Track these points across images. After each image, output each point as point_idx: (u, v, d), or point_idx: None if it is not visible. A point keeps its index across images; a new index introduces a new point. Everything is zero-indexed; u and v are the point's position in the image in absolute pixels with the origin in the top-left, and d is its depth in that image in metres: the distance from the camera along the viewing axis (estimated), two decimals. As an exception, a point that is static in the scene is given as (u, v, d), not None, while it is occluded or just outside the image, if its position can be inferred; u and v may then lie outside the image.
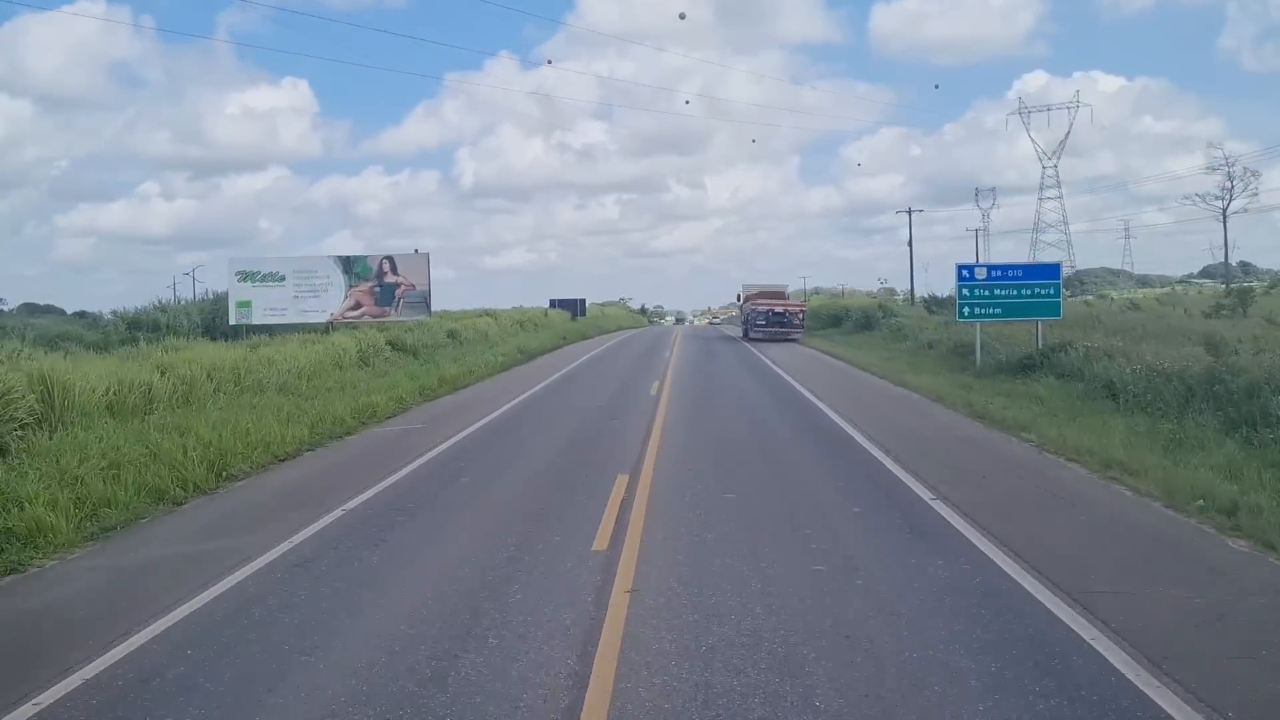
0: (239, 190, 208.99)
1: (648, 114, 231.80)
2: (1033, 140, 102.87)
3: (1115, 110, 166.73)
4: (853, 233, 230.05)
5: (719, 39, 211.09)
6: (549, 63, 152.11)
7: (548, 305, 70.31)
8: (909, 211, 63.55)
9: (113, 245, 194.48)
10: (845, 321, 45.32)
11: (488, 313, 48.45)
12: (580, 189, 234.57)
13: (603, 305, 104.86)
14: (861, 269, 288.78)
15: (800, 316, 40.71)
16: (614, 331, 64.01)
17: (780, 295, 44.75)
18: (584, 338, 50.05)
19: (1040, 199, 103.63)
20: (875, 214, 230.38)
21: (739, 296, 52.42)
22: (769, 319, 39.70)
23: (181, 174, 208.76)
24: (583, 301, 76.50)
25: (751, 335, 40.51)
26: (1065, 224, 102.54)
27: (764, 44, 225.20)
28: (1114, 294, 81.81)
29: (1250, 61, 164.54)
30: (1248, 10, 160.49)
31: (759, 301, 41.63)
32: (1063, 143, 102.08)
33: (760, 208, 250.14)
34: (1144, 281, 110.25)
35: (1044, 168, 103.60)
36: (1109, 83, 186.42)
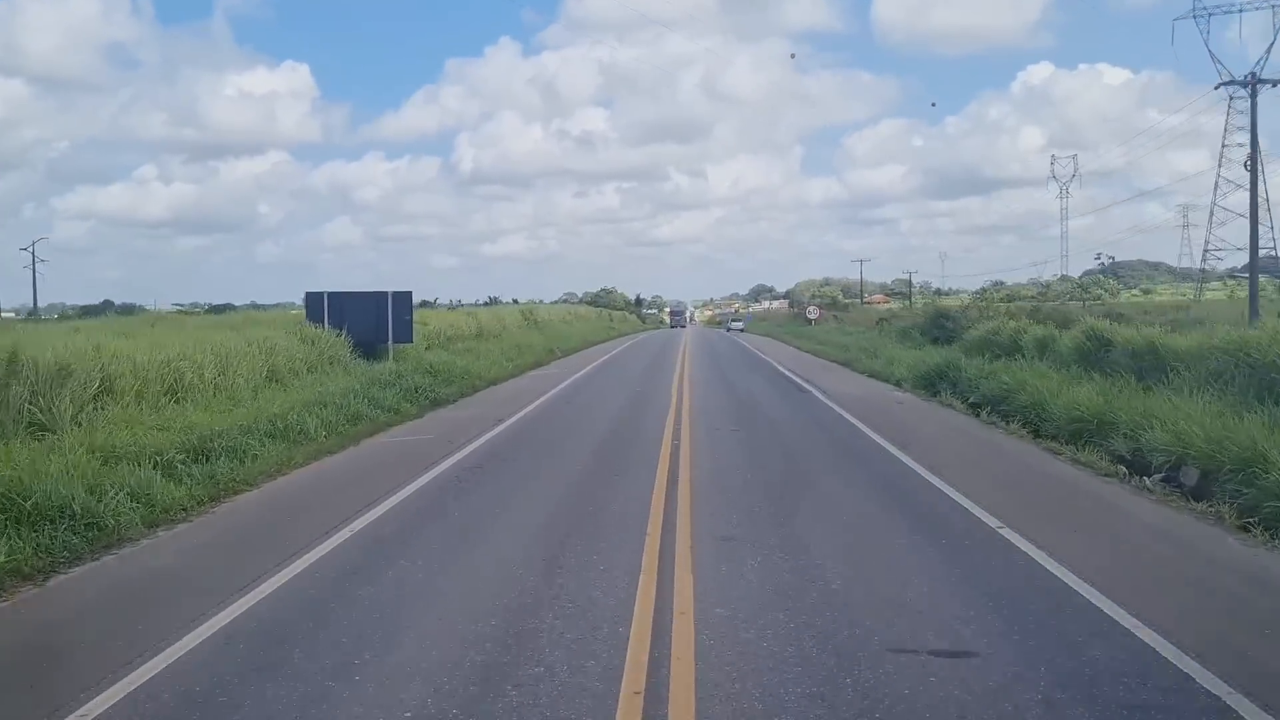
0: (239, 175, 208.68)
1: (650, 101, 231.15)
2: (1214, 58, 68.77)
3: (1120, 103, 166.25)
4: (853, 223, 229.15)
5: (723, 26, 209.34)
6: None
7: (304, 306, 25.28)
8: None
9: (111, 229, 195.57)
10: None
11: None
12: (580, 176, 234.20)
13: (529, 304, 63.68)
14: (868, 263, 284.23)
15: None
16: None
17: None
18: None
19: (1225, 144, 69.84)
20: (878, 205, 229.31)
21: None
22: None
23: (179, 157, 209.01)
24: (404, 299, 24.60)
25: None
26: (1262, 177, 74.15)
27: (769, 31, 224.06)
28: (1188, 292, 66.78)
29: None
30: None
31: None
32: (1264, 58, 60.77)
33: (762, 198, 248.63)
34: (1185, 276, 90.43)
35: (1230, 99, 63.28)
36: (1115, 75, 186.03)
